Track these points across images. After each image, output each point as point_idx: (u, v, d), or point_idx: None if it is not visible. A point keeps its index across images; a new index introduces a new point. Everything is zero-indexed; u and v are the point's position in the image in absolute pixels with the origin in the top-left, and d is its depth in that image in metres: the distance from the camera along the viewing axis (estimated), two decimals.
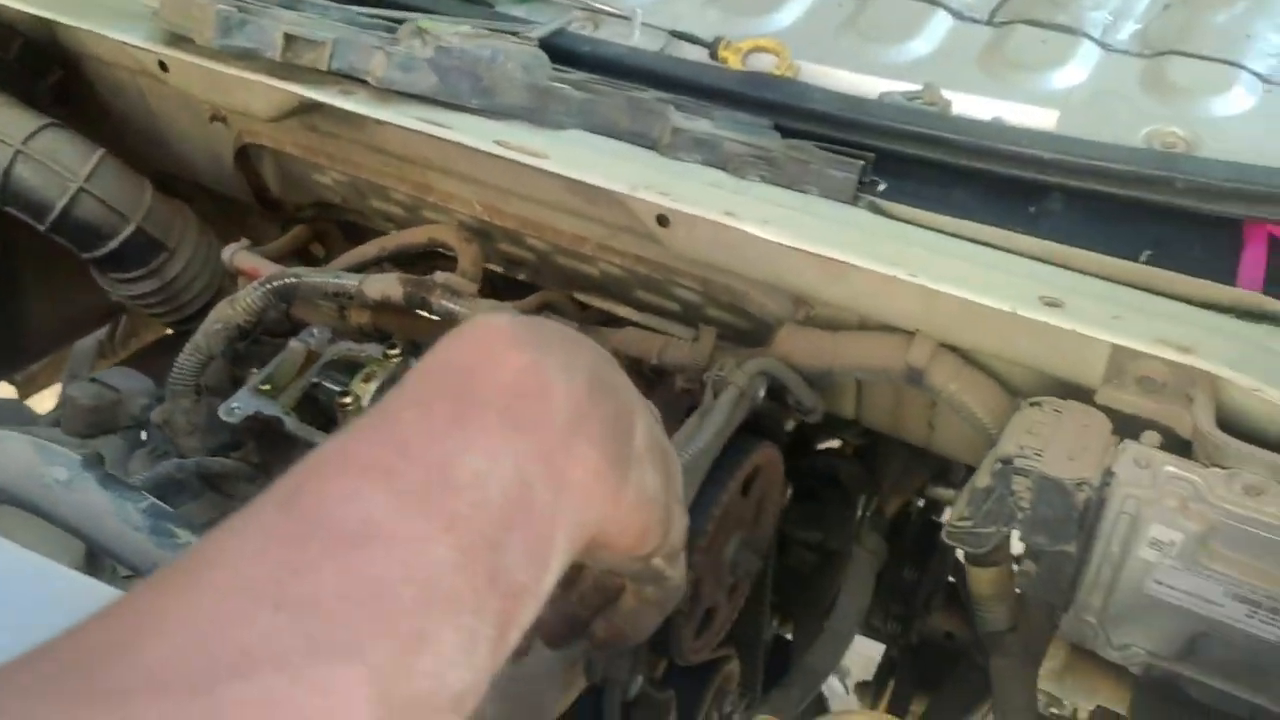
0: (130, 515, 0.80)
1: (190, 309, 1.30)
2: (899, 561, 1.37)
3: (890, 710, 1.43)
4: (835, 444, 1.31)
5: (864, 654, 1.60)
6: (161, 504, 0.82)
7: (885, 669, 1.52)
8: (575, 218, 1.11)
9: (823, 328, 1.00)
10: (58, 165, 1.17)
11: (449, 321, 1.08)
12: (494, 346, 0.48)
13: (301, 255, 1.40)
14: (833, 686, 1.88)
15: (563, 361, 0.49)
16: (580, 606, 0.68)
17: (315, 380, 1.07)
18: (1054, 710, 0.91)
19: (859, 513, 1.16)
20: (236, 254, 1.19)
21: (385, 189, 1.22)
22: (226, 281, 1.31)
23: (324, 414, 1.08)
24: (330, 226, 1.42)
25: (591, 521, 0.48)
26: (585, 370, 0.50)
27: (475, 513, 0.42)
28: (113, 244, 1.21)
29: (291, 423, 1.06)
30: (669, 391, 1.04)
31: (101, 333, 1.70)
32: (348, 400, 1.02)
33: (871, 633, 1.42)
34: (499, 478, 0.44)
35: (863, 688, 1.52)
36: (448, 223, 1.17)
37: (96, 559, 0.91)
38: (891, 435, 1.13)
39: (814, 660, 1.03)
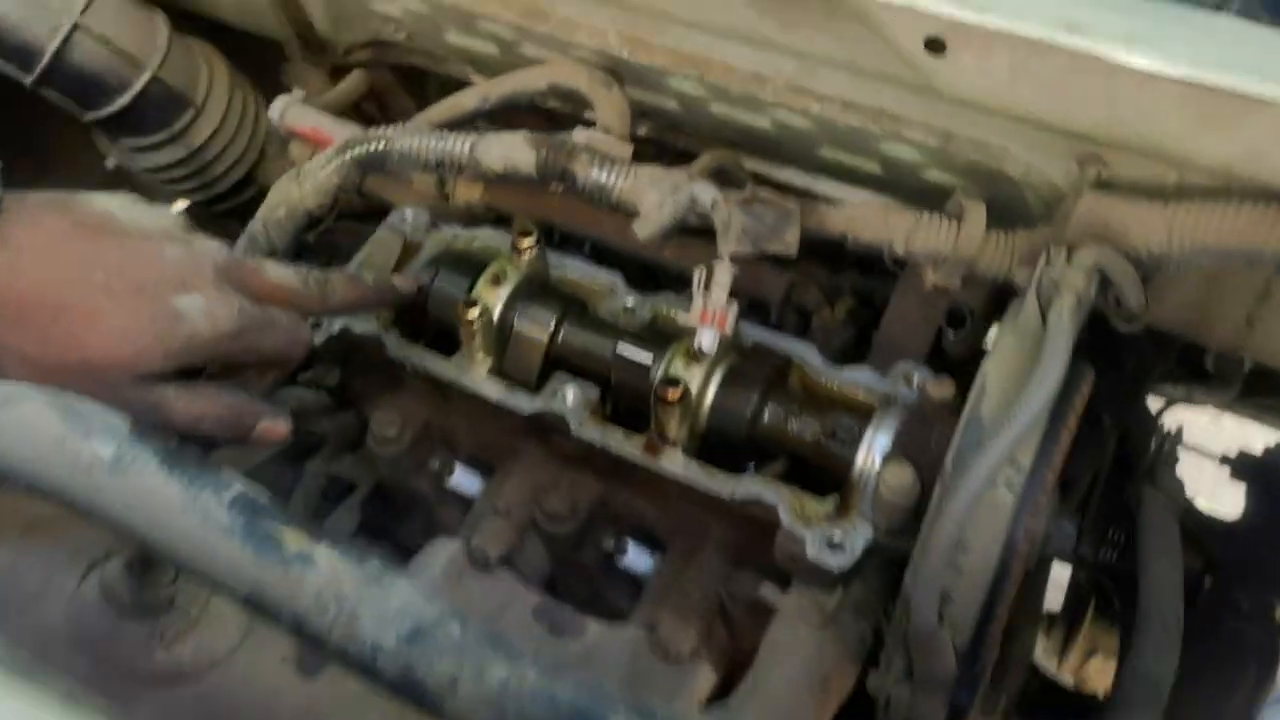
0: (211, 511, 0.52)
1: (225, 183, 1.01)
2: (1122, 477, 1.11)
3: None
4: None
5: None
6: (254, 492, 0.54)
7: (1074, 599, 1.27)
8: (757, 49, 0.81)
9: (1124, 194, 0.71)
10: None
11: (596, 197, 0.79)
12: None
13: (357, 113, 1.09)
14: None
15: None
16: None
17: (422, 283, 0.78)
18: None
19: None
20: (290, 109, 0.89)
21: (475, 18, 0.91)
22: (270, 147, 1.01)
23: (434, 327, 0.79)
24: (384, 75, 1.11)
25: None
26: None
27: None
28: (123, 99, 0.90)
29: (393, 342, 0.77)
30: (916, 288, 0.75)
31: None
32: (475, 313, 0.73)
33: (1078, 562, 1.17)
34: None
35: (1048, 621, 1.27)
36: (574, 62, 0.87)
37: (153, 562, 0.63)
38: (1183, 335, 0.85)
39: (1147, 665, 0.72)
